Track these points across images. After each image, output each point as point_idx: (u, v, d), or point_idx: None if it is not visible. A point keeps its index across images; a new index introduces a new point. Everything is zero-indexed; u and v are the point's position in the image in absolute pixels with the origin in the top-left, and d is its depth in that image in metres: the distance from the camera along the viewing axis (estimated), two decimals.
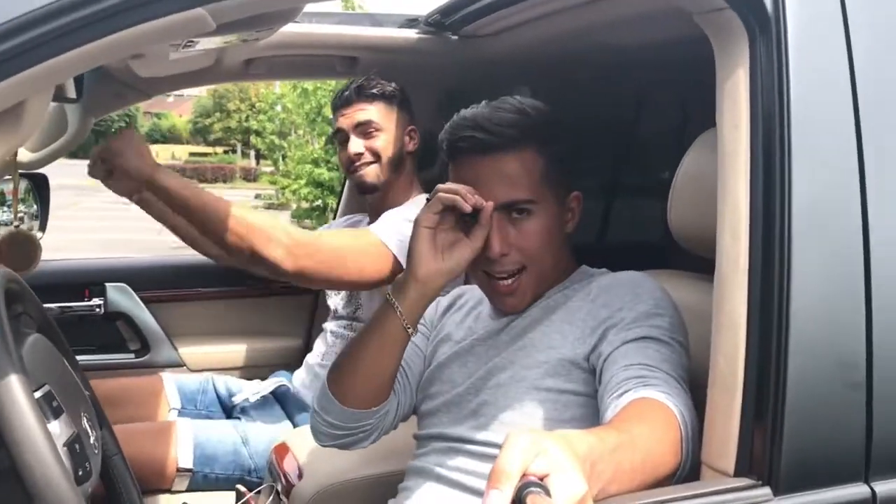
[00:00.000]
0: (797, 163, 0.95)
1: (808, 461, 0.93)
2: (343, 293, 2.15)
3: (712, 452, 0.97)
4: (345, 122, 2.05)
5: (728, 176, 1.01)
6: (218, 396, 2.27)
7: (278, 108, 14.22)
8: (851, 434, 0.94)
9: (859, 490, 0.94)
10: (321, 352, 2.18)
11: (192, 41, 1.57)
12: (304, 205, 13.07)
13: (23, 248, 1.55)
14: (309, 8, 1.69)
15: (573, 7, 1.67)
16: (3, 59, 0.71)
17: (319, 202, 12.10)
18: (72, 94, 1.66)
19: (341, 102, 2.07)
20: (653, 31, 1.70)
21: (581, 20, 1.74)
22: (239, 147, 34.44)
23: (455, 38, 2.13)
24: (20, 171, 2.22)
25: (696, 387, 1.09)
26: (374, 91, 2.05)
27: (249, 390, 2.21)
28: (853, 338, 0.94)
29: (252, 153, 29.67)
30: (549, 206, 1.30)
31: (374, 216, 2.14)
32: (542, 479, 0.71)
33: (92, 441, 1.09)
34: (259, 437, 1.99)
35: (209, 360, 2.53)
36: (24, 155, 2.03)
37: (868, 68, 1.01)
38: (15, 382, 0.89)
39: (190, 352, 2.54)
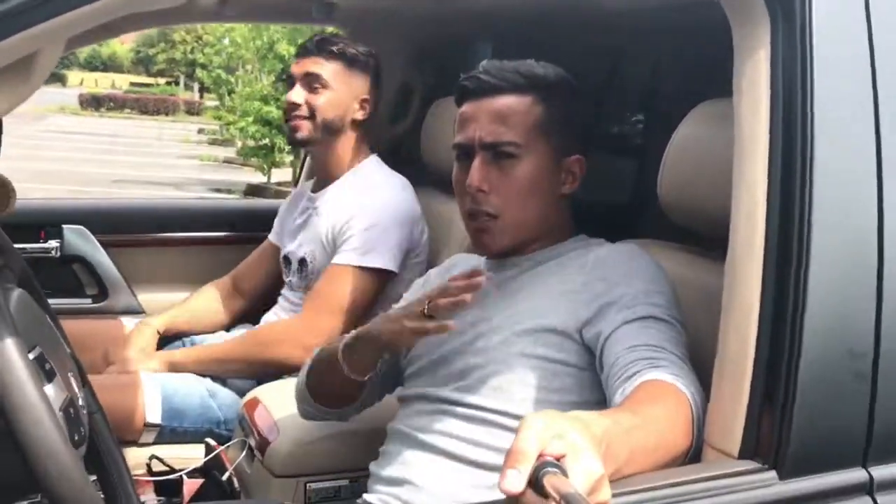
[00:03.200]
0: (819, 151, 0.95)
1: (813, 446, 0.95)
2: (295, 268, 2.12)
3: (717, 433, 0.98)
4: (296, 69, 2.07)
5: (745, 160, 1.00)
6: (182, 346, 2.22)
7: (226, 41, 13.79)
8: (854, 421, 0.96)
9: (857, 475, 0.96)
10: (279, 316, 2.14)
11: None
12: (251, 143, 12.83)
13: None
14: None
15: None
16: (21, 10, 0.66)
17: (266, 141, 11.89)
18: None
19: (301, 51, 2.10)
20: None
21: None
22: (182, 79, 33.47)
23: None
24: None
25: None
26: (335, 49, 2.04)
27: (213, 341, 2.18)
28: (863, 328, 0.96)
29: (196, 86, 28.86)
30: (540, 159, 1.31)
31: (318, 184, 2.17)
32: (558, 460, 0.71)
33: (80, 403, 1.05)
34: (226, 389, 1.96)
35: (169, 307, 2.47)
36: None
37: (888, 55, 1.01)
38: (10, 346, 0.85)
39: (149, 298, 2.47)
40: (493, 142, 1.29)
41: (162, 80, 36.46)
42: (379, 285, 1.95)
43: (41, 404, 0.84)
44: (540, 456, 0.69)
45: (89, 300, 2.45)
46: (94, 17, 0.72)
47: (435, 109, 2.25)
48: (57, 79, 38.68)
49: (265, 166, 12.15)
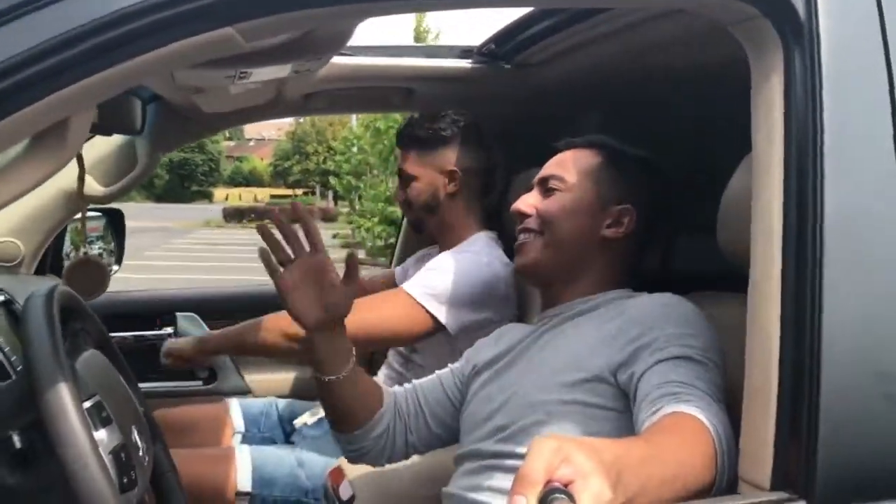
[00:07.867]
0: (830, 174, 0.94)
1: (846, 475, 0.89)
2: None
3: (747, 465, 0.94)
4: (399, 165, 2.15)
5: (762, 187, 1.00)
6: (280, 420, 2.31)
7: (355, 149, 14.47)
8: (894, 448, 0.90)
9: None
10: (384, 376, 2.19)
11: (244, 72, 1.63)
12: (379, 242, 13.25)
13: (91, 273, 1.64)
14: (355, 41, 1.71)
15: (618, 31, 1.68)
16: (43, 77, 0.76)
17: (393, 240, 12.26)
18: (136, 126, 1.76)
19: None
20: (703, 52, 1.69)
21: (629, 43, 1.74)
22: (318, 188, 35.17)
23: (508, 66, 2.16)
24: (95, 206, 2.34)
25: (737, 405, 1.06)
26: (407, 138, 2.08)
27: (309, 413, 2.25)
28: (893, 348, 0.91)
29: (330, 194, 30.25)
30: (585, 197, 1.41)
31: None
32: (566, 486, 0.70)
33: (141, 454, 1.13)
34: (315, 459, 2.01)
35: (274, 385, 2.59)
36: (96, 189, 2.12)
37: None
38: (63, 389, 0.94)
39: (255, 378, 2.60)
40: (544, 176, 1.45)
41: (300, 191, 38.39)
42: (422, 330, 1.83)
43: (86, 441, 0.92)
44: (548, 482, 0.69)
45: (200, 382, 2.60)
46: (114, 85, 0.81)
47: (516, 184, 2.29)
48: (203, 196, 41.57)
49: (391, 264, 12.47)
